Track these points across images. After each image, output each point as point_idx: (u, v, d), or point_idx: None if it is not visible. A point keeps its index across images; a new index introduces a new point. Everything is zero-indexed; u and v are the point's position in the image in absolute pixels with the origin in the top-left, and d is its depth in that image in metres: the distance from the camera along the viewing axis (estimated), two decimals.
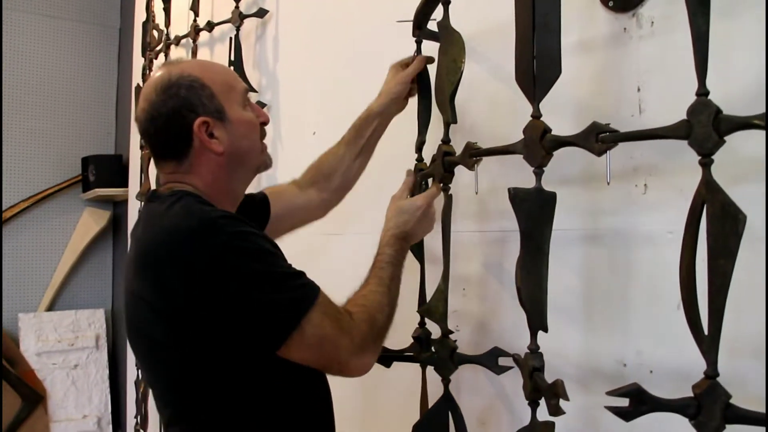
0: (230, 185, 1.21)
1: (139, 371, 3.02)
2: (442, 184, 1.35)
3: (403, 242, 1.26)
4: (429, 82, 1.46)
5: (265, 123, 1.26)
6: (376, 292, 1.16)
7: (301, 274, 1.09)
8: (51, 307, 4.17)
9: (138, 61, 3.53)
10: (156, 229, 1.10)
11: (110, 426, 4.13)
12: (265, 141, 1.29)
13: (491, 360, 1.30)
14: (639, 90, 1.18)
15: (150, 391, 2.93)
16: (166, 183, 1.21)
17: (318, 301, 1.05)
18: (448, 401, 1.34)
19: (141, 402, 3.00)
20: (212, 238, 1.02)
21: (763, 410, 0.83)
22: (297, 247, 2.14)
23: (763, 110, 0.82)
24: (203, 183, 1.18)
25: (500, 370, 1.29)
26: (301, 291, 1.06)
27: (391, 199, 1.34)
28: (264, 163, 1.26)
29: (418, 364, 1.43)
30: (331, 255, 1.98)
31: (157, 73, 1.21)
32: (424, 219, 1.29)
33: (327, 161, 1.56)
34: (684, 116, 0.90)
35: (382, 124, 1.52)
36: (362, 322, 1.10)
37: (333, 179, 1.57)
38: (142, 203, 1.23)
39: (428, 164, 1.44)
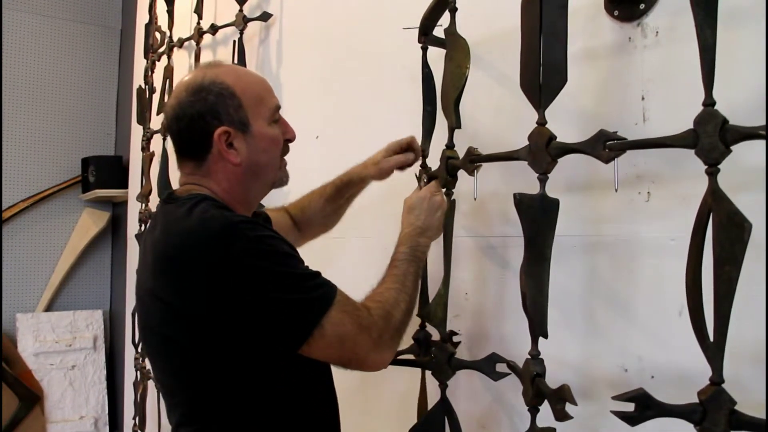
0: (245, 195, 1.22)
1: (138, 372, 3.02)
2: (445, 189, 1.36)
3: (419, 238, 1.27)
4: (434, 89, 1.47)
5: (290, 140, 1.27)
6: (391, 289, 1.18)
7: (319, 274, 1.11)
8: (49, 308, 4.17)
9: (139, 63, 3.53)
10: (176, 231, 1.11)
11: (107, 427, 4.12)
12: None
13: (489, 366, 1.30)
14: (643, 99, 1.19)
15: (148, 393, 2.93)
16: (184, 184, 1.22)
17: (337, 299, 1.08)
18: (444, 406, 1.35)
19: (140, 404, 3.00)
20: (235, 242, 1.04)
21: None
22: (299, 251, 2.15)
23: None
24: (220, 188, 1.20)
25: (498, 376, 1.29)
26: (321, 290, 1.08)
27: (404, 202, 1.35)
28: (280, 179, 1.28)
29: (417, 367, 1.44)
30: (333, 259, 1.98)
31: (193, 72, 1.22)
32: (434, 209, 1.30)
33: (309, 208, 1.61)
34: (687, 125, 0.92)
35: (360, 189, 1.59)
36: (380, 318, 1.12)
37: (311, 226, 1.64)
38: (159, 204, 1.24)
39: (432, 170, 1.45)
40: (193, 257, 1.05)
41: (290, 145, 1.28)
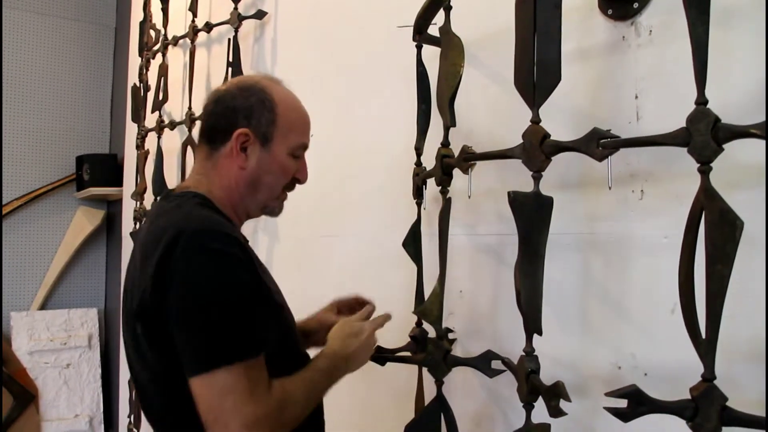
0: (240, 201, 1.23)
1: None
2: (440, 187, 1.37)
3: (342, 362, 1.22)
4: (429, 88, 1.47)
5: (300, 181, 1.28)
6: (300, 390, 1.12)
7: (258, 324, 1.06)
8: (44, 306, 4.16)
9: (134, 61, 3.53)
10: (160, 225, 1.11)
11: (102, 425, 4.12)
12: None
13: (484, 363, 1.31)
14: (636, 97, 1.20)
15: None
16: (192, 175, 1.25)
17: (252, 362, 1.03)
18: (440, 403, 1.36)
19: (135, 402, 3.00)
20: (195, 243, 1.04)
21: (757, 413, 0.85)
22: (293, 250, 2.16)
23: (762, 119, 0.84)
24: (220, 185, 1.21)
25: (493, 373, 1.30)
26: (244, 341, 1.03)
27: (342, 321, 1.32)
28: (273, 208, 1.28)
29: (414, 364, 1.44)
30: (328, 256, 1.99)
31: (256, 75, 1.25)
32: (366, 347, 1.27)
33: None
34: (680, 124, 0.92)
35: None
36: (278, 401, 1.05)
37: None
38: (154, 202, 1.26)
39: (426, 168, 1.45)
40: (157, 250, 1.05)
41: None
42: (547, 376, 1.11)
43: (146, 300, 1.05)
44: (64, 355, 4.06)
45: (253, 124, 1.18)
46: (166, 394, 1.11)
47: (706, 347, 0.86)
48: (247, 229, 2.36)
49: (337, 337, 1.26)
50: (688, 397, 0.89)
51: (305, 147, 1.27)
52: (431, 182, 1.44)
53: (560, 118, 1.23)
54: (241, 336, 1.03)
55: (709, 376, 0.86)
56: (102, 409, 4.13)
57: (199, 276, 1.02)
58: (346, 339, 1.25)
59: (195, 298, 1.02)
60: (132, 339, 1.13)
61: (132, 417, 3.05)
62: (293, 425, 1.09)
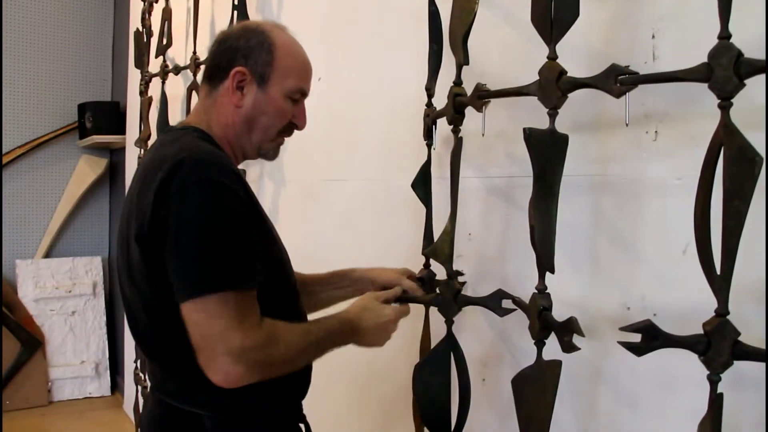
0: (236, 140, 1.24)
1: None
2: (452, 126, 1.35)
3: (350, 333, 1.23)
4: (441, 27, 1.45)
5: (297, 126, 1.28)
6: (302, 338, 1.13)
7: (252, 257, 1.08)
8: (48, 254, 4.18)
9: (136, 5, 3.47)
10: (155, 156, 1.13)
11: (108, 371, 4.19)
12: None
13: (495, 302, 1.31)
14: (653, 37, 1.17)
15: None
16: (194, 112, 1.28)
17: (243, 292, 1.04)
18: (450, 342, 1.37)
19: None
20: (194, 172, 1.04)
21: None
22: (300, 194, 2.15)
23: None
24: (218, 123, 1.23)
25: (503, 312, 1.30)
26: (237, 270, 1.04)
27: (369, 294, 1.33)
28: (267, 151, 1.28)
29: (421, 306, 1.45)
30: (334, 201, 1.99)
31: (263, 20, 1.26)
32: (382, 331, 1.28)
33: (305, 293, 1.40)
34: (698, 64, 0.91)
35: (356, 291, 1.44)
36: (267, 335, 1.05)
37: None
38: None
39: (437, 109, 1.44)
40: (156, 178, 1.05)
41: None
42: (556, 317, 1.12)
43: (145, 226, 1.06)
44: (70, 303, 4.11)
45: (250, 63, 1.20)
46: (157, 321, 1.12)
47: (720, 282, 0.86)
48: (253, 173, 2.35)
49: (358, 306, 1.28)
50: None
51: (303, 93, 1.27)
52: (441, 124, 1.42)
53: (574, 59, 1.21)
54: (235, 265, 1.04)
55: (722, 311, 0.87)
56: (108, 356, 4.19)
57: (197, 204, 1.04)
58: (364, 312, 1.26)
59: (191, 225, 1.03)
60: (126, 266, 1.14)
61: (138, 362, 3.09)
62: (281, 369, 1.09)
